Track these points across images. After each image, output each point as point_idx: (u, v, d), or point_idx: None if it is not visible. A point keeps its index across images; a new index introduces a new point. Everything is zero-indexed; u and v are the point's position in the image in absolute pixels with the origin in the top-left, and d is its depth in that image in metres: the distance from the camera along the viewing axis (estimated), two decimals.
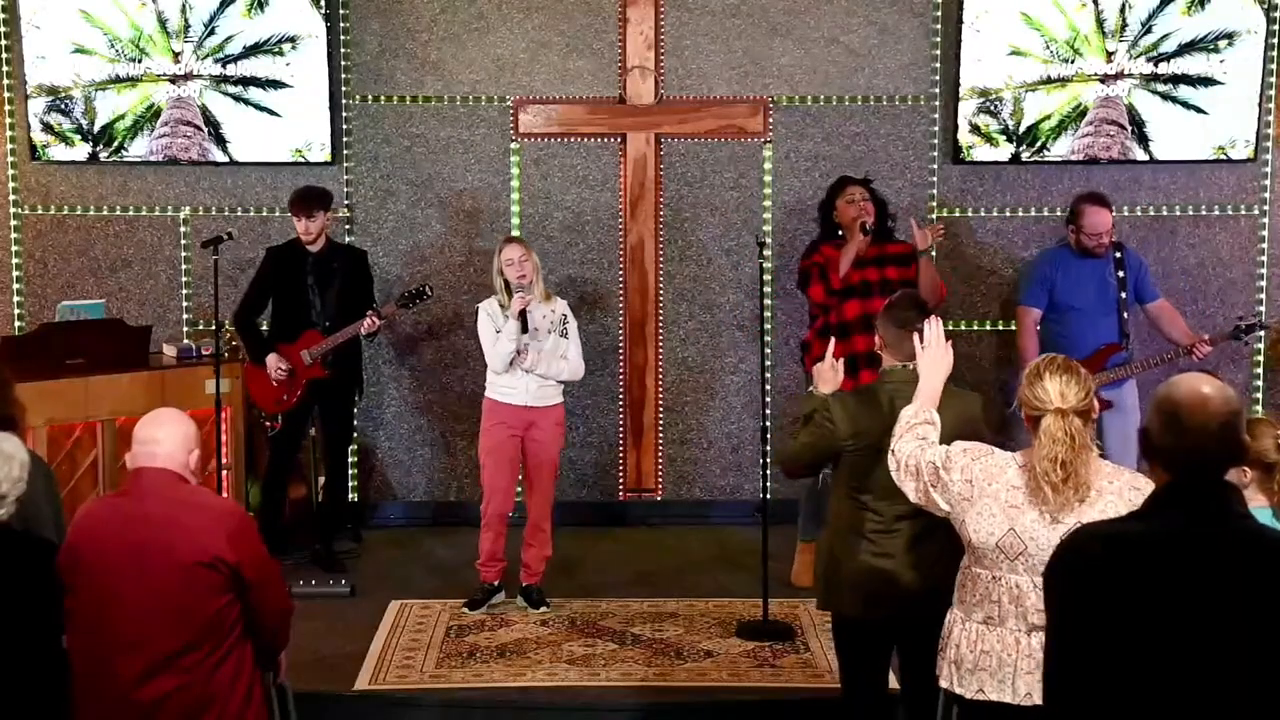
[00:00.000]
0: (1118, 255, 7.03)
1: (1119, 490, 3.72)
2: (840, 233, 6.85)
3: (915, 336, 4.25)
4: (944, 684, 3.96)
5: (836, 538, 4.73)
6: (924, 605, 4.54)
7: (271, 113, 7.80)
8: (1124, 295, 6.97)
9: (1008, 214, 8.03)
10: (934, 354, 4.18)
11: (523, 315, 6.42)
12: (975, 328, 8.06)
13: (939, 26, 7.89)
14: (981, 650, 3.85)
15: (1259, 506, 3.79)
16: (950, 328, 7.93)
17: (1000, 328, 8.03)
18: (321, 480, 7.48)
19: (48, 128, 7.79)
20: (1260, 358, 8.10)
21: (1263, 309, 7.97)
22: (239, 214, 7.93)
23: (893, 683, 4.80)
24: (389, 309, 7.21)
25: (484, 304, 6.62)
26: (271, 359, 7.11)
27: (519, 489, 6.83)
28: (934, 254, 6.72)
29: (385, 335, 7.85)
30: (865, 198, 6.85)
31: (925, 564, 4.52)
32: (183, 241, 7.96)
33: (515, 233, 7.88)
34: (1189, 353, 6.91)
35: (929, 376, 4.16)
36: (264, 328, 7.33)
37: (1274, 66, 7.90)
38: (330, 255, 7.21)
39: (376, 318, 7.07)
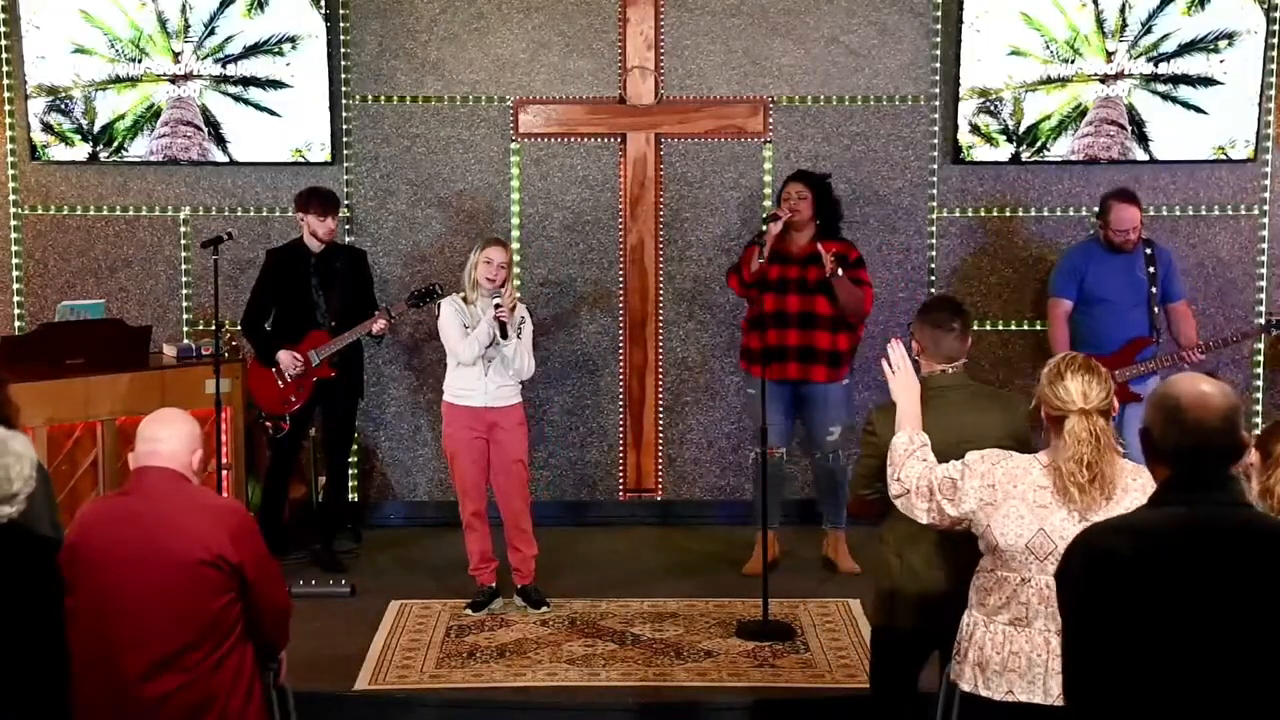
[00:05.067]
0: (1148, 251, 7.07)
1: (1142, 487, 3.72)
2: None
3: (884, 362, 4.23)
4: (966, 686, 3.93)
5: (892, 553, 4.59)
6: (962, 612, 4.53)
7: (271, 113, 7.80)
8: (1154, 290, 7.02)
9: (1008, 214, 8.03)
10: (903, 376, 4.16)
11: (502, 325, 6.40)
12: (975, 328, 8.02)
13: (939, 26, 7.89)
14: (1010, 652, 3.84)
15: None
16: None
17: (1000, 328, 8.03)
18: (322, 480, 7.49)
19: (48, 128, 7.79)
20: (1260, 358, 8.10)
21: (1263, 309, 7.97)
22: (239, 214, 7.93)
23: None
24: (398, 308, 7.20)
25: (447, 300, 6.58)
26: (285, 355, 7.07)
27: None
28: (840, 273, 6.72)
29: (387, 335, 7.85)
30: (801, 195, 6.91)
31: (969, 572, 4.49)
32: (183, 241, 7.97)
33: (515, 233, 7.89)
34: (1182, 359, 6.95)
35: (903, 399, 4.13)
36: (268, 329, 7.32)
37: (1274, 66, 7.90)
38: (332, 255, 7.21)
39: (387, 317, 7.06)
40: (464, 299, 6.51)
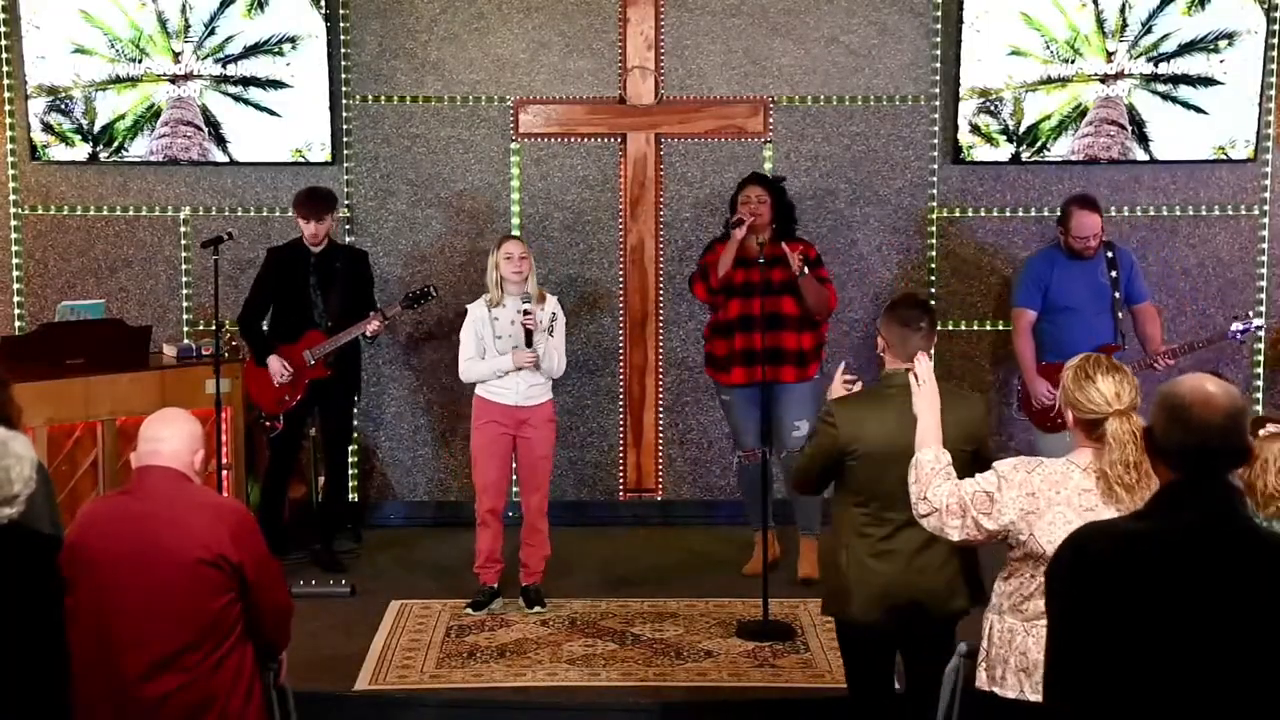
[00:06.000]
0: (1110, 255, 7.04)
1: None
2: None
3: (910, 375, 4.20)
4: (1010, 694, 3.88)
5: (840, 545, 4.70)
6: (927, 611, 4.55)
7: (271, 113, 7.80)
8: (1117, 295, 6.99)
9: (1008, 214, 8.03)
10: (929, 391, 4.12)
11: (528, 332, 6.44)
12: (975, 328, 8.06)
13: (939, 26, 7.89)
14: None
15: None
16: (949, 328, 8.08)
17: (1000, 327, 8.02)
18: (321, 480, 7.48)
19: (48, 128, 7.79)
20: (1260, 358, 8.10)
21: (1263, 309, 7.97)
22: (239, 214, 7.93)
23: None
24: (393, 310, 7.21)
25: (473, 306, 6.62)
26: (274, 362, 7.10)
27: (514, 488, 6.84)
28: (806, 272, 6.75)
29: (386, 335, 7.85)
30: (761, 198, 6.93)
31: (929, 570, 4.53)
32: (183, 241, 7.96)
33: (515, 233, 7.89)
34: (1150, 365, 6.91)
35: (926, 415, 4.09)
36: (265, 328, 7.32)
37: (1274, 66, 7.90)
38: (332, 255, 7.22)
39: (381, 319, 7.08)
40: (490, 303, 6.54)
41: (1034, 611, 3.85)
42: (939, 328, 7.94)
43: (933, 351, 4.68)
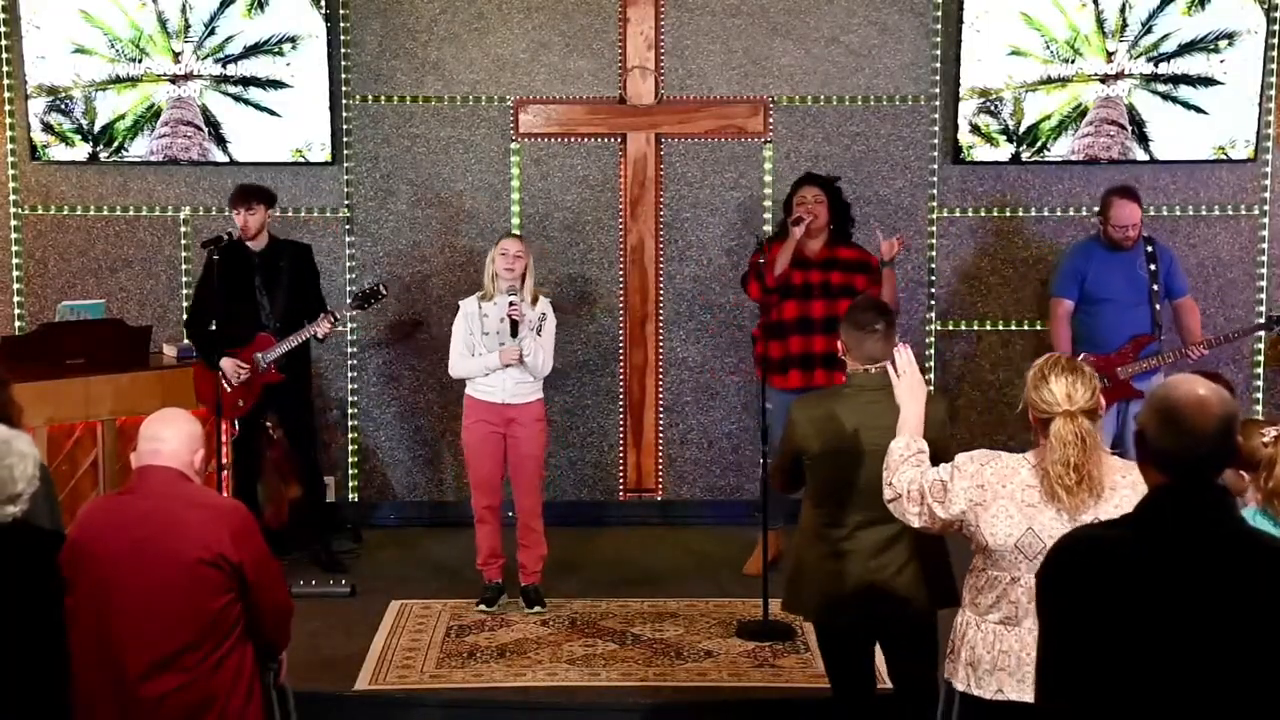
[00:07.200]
0: (1149, 249, 7.09)
1: (1132, 484, 3.69)
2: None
3: (889, 365, 4.23)
4: (960, 686, 3.94)
5: (802, 543, 4.76)
6: (888, 612, 4.58)
7: (271, 113, 7.80)
8: (1155, 287, 7.04)
9: (1008, 214, 8.03)
10: (909, 381, 4.14)
11: (513, 324, 6.44)
12: (975, 328, 8.06)
13: (939, 26, 7.89)
14: (1000, 651, 3.85)
15: (1244, 506, 3.80)
16: (950, 328, 8.07)
17: (1000, 328, 8.03)
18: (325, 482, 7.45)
19: (48, 128, 7.79)
20: (1260, 358, 8.10)
21: (1263, 309, 7.97)
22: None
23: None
24: (343, 311, 7.16)
25: (465, 302, 6.63)
26: (228, 363, 6.93)
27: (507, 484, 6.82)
28: (890, 264, 6.74)
29: (385, 335, 7.86)
30: (818, 198, 6.89)
31: (885, 571, 4.56)
32: (183, 241, 7.96)
33: (515, 232, 7.89)
34: (1185, 355, 6.99)
35: (908, 404, 4.10)
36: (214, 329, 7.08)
37: (1274, 66, 7.90)
38: (275, 253, 7.09)
39: (332, 320, 7.02)
40: (482, 298, 6.55)
41: (985, 606, 3.91)
42: (943, 327, 8.00)
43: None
